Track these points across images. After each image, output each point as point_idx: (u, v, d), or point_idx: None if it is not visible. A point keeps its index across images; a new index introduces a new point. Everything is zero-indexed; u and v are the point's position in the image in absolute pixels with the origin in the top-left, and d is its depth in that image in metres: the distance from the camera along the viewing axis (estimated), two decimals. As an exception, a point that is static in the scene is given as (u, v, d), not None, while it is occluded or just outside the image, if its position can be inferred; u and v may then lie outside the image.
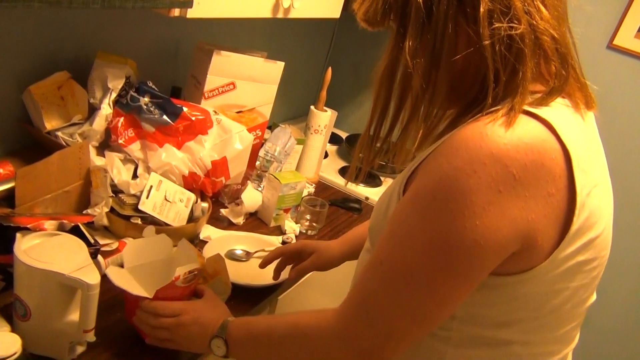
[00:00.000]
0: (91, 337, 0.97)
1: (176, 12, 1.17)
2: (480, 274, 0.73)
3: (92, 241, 1.13)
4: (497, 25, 0.72)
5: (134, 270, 1.09)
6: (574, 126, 0.75)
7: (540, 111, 0.71)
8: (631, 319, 2.28)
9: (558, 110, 0.74)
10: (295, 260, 1.29)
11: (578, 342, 0.92)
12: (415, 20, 0.75)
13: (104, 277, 1.18)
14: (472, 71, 0.76)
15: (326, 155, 2.20)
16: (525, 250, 0.71)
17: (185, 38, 1.70)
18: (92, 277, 0.93)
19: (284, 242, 1.51)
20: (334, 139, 2.36)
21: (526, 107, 0.72)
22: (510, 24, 0.72)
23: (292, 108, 2.39)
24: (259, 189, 1.68)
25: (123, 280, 1.05)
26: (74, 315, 0.95)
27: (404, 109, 0.83)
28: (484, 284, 0.75)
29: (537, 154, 0.68)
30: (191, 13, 1.18)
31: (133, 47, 1.53)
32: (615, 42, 1.96)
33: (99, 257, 1.18)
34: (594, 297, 0.87)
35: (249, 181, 1.64)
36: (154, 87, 1.42)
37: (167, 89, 1.68)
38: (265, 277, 1.32)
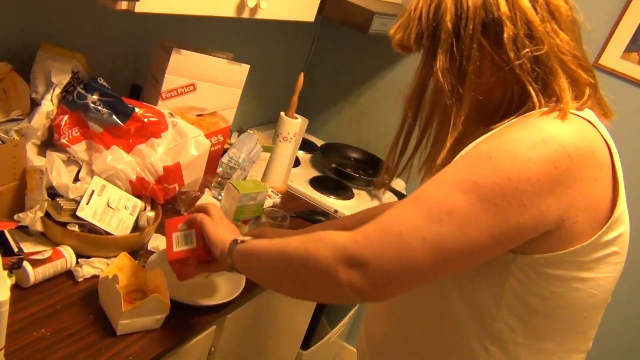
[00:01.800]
0: (0, 358, 0.88)
1: (123, 5, 1.08)
2: (512, 233, 0.76)
3: (15, 250, 1.04)
4: (521, 48, 0.82)
5: None
6: (605, 130, 0.84)
7: (580, 113, 0.81)
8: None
9: (589, 114, 0.83)
10: None
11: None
12: (445, 41, 0.85)
13: (30, 289, 1.10)
14: (499, 90, 0.86)
15: (298, 164, 2.11)
16: (562, 228, 0.78)
17: (150, 34, 1.60)
18: (1, 293, 0.83)
19: (239, 256, 1.41)
20: (308, 146, 2.28)
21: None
22: (536, 47, 0.82)
23: (267, 113, 2.31)
24: (219, 197, 1.59)
25: None
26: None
27: (432, 123, 0.91)
28: (532, 266, 0.81)
29: (589, 142, 0.78)
30: (140, 7, 1.09)
31: (85, 40, 1.43)
32: (601, 61, 1.90)
33: (26, 266, 1.09)
34: (609, 298, 0.91)
35: (206, 189, 1.55)
36: (105, 84, 1.32)
37: (127, 87, 1.59)
38: (214, 291, 1.23)
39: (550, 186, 0.75)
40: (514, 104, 0.86)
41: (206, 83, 1.52)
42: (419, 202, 0.79)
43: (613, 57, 1.88)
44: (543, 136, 0.76)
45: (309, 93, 2.30)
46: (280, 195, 1.82)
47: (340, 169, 2.08)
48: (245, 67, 1.58)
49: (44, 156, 1.26)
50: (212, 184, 1.63)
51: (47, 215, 1.19)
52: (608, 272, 0.85)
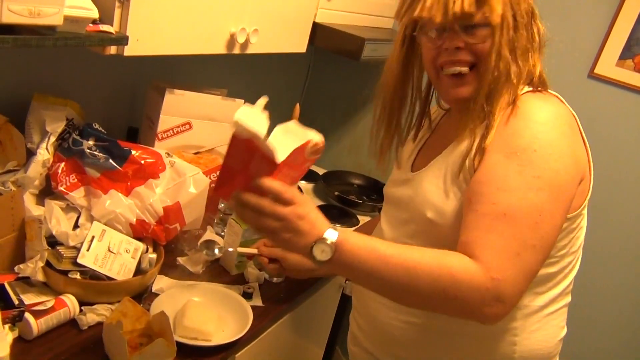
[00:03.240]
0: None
1: (112, 50, 1.09)
2: (572, 202, 0.94)
3: (16, 302, 1.03)
4: (539, 34, 0.99)
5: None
6: None
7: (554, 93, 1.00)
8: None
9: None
10: None
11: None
12: (523, 18, 0.96)
13: (34, 342, 1.08)
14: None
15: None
16: (581, 183, 0.95)
17: (143, 77, 1.62)
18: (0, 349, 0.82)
19: (245, 293, 1.39)
20: (310, 176, 2.27)
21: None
22: (539, 35, 1.00)
23: (267, 145, 2.30)
24: (222, 234, 1.58)
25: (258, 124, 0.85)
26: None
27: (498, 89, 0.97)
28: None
29: (571, 114, 0.98)
30: (129, 50, 1.10)
31: (79, 87, 1.44)
32: (597, 70, 1.89)
33: (28, 317, 1.07)
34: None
35: (209, 226, 1.54)
36: (100, 129, 1.33)
37: (124, 130, 1.60)
38: (221, 329, 1.20)
39: (575, 152, 0.93)
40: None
41: (201, 121, 1.52)
42: (509, 219, 0.87)
43: (608, 66, 1.88)
44: (553, 115, 0.93)
45: (307, 123, 2.28)
46: (284, 227, 1.80)
47: (344, 196, 2.07)
48: (240, 102, 1.58)
49: (43, 205, 1.25)
50: (215, 221, 1.62)
51: (48, 264, 1.18)
52: (584, 223, 1.04)
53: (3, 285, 1.03)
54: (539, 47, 0.99)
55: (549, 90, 0.99)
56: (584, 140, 0.99)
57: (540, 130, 0.90)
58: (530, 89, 0.98)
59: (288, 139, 0.87)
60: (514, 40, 0.95)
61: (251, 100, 1.73)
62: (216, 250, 1.49)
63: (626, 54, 1.85)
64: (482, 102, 0.96)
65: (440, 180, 1.01)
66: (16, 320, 1.01)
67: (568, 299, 1.09)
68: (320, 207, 2.03)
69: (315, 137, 0.88)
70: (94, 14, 0.99)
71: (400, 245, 0.94)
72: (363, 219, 2.02)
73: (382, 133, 1.14)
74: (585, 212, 1.02)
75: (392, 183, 1.19)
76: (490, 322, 0.89)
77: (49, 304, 1.13)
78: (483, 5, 0.92)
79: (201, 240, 1.46)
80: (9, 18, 0.83)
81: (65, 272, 1.18)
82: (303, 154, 0.87)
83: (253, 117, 0.88)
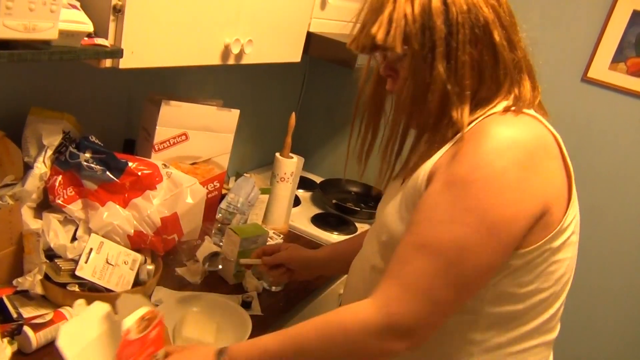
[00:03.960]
0: None
1: (107, 63, 1.09)
2: (515, 241, 0.84)
3: (14, 315, 1.03)
4: (507, 48, 0.89)
5: (81, 356, 0.95)
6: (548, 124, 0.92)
7: (529, 112, 0.90)
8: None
9: (536, 113, 0.92)
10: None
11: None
12: (440, 46, 0.86)
13: (33, 355, 1.08)
14: (476, 83, 0.90)
15: (298, 203, 2.11)
16: (543, 218, 0.85)
17: (139, 88, 1.62)
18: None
19: (244, 302, 1.40)
20: (307, 184, 2.28)
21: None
22: (513, 49, 0.90)
23: (264, 155, 2.32)
24: (220, 243, 1.58)
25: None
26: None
27: (429, 124, 0.92)
28: (513, 258, 0.86)
29: (543, 138, 0.87)
30: (125, 63, 1.11)
31: (75, 100, 1.45)
32: (590, 74, 1.91)
33: (27, 331, 1.07)
34: (572, 278, 0.97)
35: (207, 236, 1.55)
36: (97, 141, 1.33)
37: (120, 142, 1.60)
38: (220, 340, 1.20)
39: (529, 186, 0.82)
40: (487, 97, 0.91)
41: (198, 131, 1.53)
42: (428, 250, 0.83)
43: (601, 70, 1.89)
44: (506, 142, 0.83)
45: (303, 131, 2.31)
46: (282, 235, 1.81)
47: (341, 204, 2.08)
48: (236, 112, 1.59)
49: (41, 218, 1.26)
50: (213, 231, 1.63)
51: (47, 277, 1.18)
52: (570, 252, 0.92)
53: (2, 299, 1.03)
54: (515, 62, 0.91)
55: (525, 110, 0.89)
56: (566, 164, 0.89)
57: (483, 159, 0.82)
58: (504, 105, 0.89)
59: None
60: (435, 62, 0.87)
61: (247, 109, 1.73)
62: (220, 266, 1.49)
63: (618, 57, 1.87)
64: (413, 125, 0.94)
65: (400, 204, 0.95)
66: (15, 333, 1.01)
67: (550, 336, 0.98)
68: (318, 216, 2.04)
69: (131, 319, 0.92)
70: (89, 27, 1.00)
71: (294, 326, 0.92)
72: (361, 227, 2.03)
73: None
74: (561, 243, 0.89)
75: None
76: (406, 353, 0.85)
77: (48, 317, 1.13)
78: (386, 38, 0.89)
79: (205, 254, 1.46)
80: (4, 33, 0.83)
81: (63, 285, 1.18)
82: (130, 342, 0.91)
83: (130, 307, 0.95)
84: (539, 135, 0.86)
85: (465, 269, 0.82)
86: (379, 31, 0.88)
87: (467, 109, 0.89)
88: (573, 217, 0.90)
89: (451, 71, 0.87)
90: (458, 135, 0.88)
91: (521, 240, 0.85)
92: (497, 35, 0.88)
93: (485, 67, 0.89)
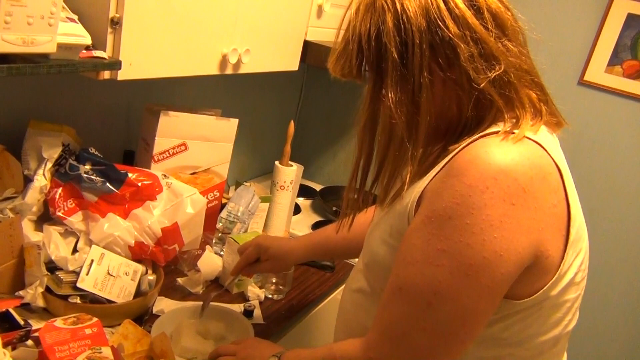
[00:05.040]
0: None
1: (106, 74, 1.10)
2: (502, 286, 0.74)
3: (22, 323, 1.03)
4: (479, 69, 0.77)
5: None
6: (555, 146, 0.82)
7: (530, 134, 0.77)
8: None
9: (542, 133, 0.80)
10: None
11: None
12: (393, 72, 0.79)
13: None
14: (454, 109, 0.81)
15: (299, 211, 2.11)
16: (538, 261, 0.75)
17: (138, 100, 1.63)
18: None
19: (246, 310, 1.40)
20: (307, 192, 2.28)
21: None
22: (491, 64, 0.78)
23: (263, 164, 2.32)
24: (220, 253, 1.58)
25: None
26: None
27: (389, 155, 0.85)
28: (502, 309, 0.78)
29: (539, 168, 0.74)
30: (123, 75, 1.12)
31: (74, 113, 1.46)
32: (586, 77, 1.92)
33: (29, 344, 1.07)
34: (577, 315, 0.89)
35: (208, 246, 1.55)
36: (96, 153, 1.34)
37: (120, 153, 1.61)
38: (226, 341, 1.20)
39: (516, 224, 0.71)
40: (471, 122, 0.82)
41: (197, 141, 1.53)
42: (403, 294, 0.78)
43: (597, 73, 1.90)
44: (493, 173, 0.71)
45: (302, 140, 2.32)
46: (283, 244, 1.81)
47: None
48: (234, 122, 1.59)
49: (41, 231, 1.26)
50: (213, 241, 1.63)
51: (48, 289, 1.18)
52: (573, 292, 0.83)
53: (8, 311, 1.04)
54: (502, 79, 0.79)
55: (528, 134, 0.77)
56: (567, 197, 0.77)
57: (463, 193, 0.71)
58: (502, 126, 0.78)
59: None
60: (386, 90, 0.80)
61: (245, 118, 1.74)
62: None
63: (614, 60, 1.88)
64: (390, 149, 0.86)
65: (384, 228, 0.89)
66: (22, 339, 1.01)
67: None
68: (319, 223, 2.04)
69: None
70: (87, 40, 1.01)
71: (317, 354, 0.94)
72: (361, 233, 2.03)
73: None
74: (562, 288, 0.80)
75: None
76: None
77: (50, 330, 1.13)
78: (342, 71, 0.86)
79: (199, 260, 1.46)
80: (3, 48, 0.84)
81: (65, 297, 1.18)
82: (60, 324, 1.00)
83: None
84: (534, 165, 0.73)
85: (442, 315, 0.75)
86: (335, 64, 0.86)
87: (420, 142, 0.81)
88: (575, 256, 0.79)
89: (402, 101, 0.79)
90: (450, 156, 0.78)
91: (514, 287, 0.76)
92: (463, 52, 0.77)
93: (459, 90, 0.79)
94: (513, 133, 0.76)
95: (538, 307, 0.79)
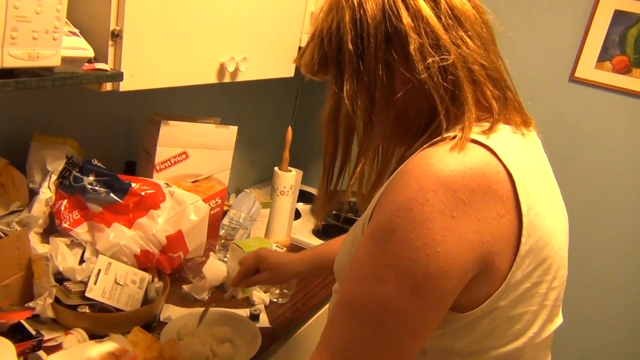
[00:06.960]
0: None
1: (108, 86, 1.12)
2: (448, 299, 0.72)
3: (34, 333, 1.05)
4: (429, 59, 0.76)
5: None
6: (516, 148, 0.77)
7: (481, 137, 0.73)
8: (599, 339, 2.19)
9: (499, 135, 0.76)
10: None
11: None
12: (349, 65, 0.79)
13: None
14: (413, 107, 0.80)
15: (299, 216, 2.13)
16: (484, 272, 0.72)
17: (138, 110, 1.65)
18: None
19: (252, 315, 1.41)
20: (307, 197, 2.30)
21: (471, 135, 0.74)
22: (442, 56, 0.76)
23: (263, 170, 2.34)
24: (224, 259, 1.60)
25: None
26: None
27: (350, 153, 0.85)
28: (450, 322, 0.76)
29: (482, 177, 0.70)
30: (125, 86, 1.14)
31: (77, 125, 1.47)
32: (577, 74, 1.95)
33: (41, 355, 1.09)
34: (559, 319, 0.85)
35: (211, 253, 1.56)
36: (99, 164, 1.36)
37: (121, 164, 1.62)
38: (230, 353, 1.22)
39: (458, 237, 0.69)
40: (426, 120, 0.81)
41: (197, 150, 1.56)
42: (353, 311, 0.74)
43: (587, 69, 1.93)
44: (432, 185, 0.68)
45: (300, 145, 2.34)
46: (285, 248, 1.82)
47: (341, 214, 2.10)
48: (234, 129, 1.62)
49: (48, 243, 1.28)
50: (217, 247, 1.65)
51: (57, 300, 1.20)
52: (535, 304, 0.78)
53: (20, 322, 1.05)
54: (456, 77, 0.77)
55: (478, 139, 0.73)
56: (519, 206, 0.72)
57: (405, 206, 0.69)
58: (450, 133, 0.75)
59: None
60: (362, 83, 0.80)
61: (244, 125, 1.77)
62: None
63: (604, 56, 1.91)
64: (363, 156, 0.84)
65: (349, 235, 0.88)
66: (34, 349, 1.03)
67: None
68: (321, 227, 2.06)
69: (91, 353, 0.95)
70: (90, 53, 1.03)
71: None
72: (362, 236, 2.05)
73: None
74: (513, 298, 0.75)
75: None
76: None
77: (60, 339, 1.15)
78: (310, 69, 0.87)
79: (204, 266, 1.48)
80: (10, 62, 0.86)
81: (74, 307, 1.20)
82: None
83: None
84: (477, 175, 0.69)
85: (392, 332, 0.72)
86: (301, 61, 0.87)
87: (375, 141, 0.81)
88: (534, 266, 0.75)
89: (358, 93, 0.79)
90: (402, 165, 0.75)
91: (458, 298, 0.73)
92: (414, 42, 0.75)
93: (414, 87, 0.77)
94: (460, 138, 0.73)
95: (489, 318, 0.76)
